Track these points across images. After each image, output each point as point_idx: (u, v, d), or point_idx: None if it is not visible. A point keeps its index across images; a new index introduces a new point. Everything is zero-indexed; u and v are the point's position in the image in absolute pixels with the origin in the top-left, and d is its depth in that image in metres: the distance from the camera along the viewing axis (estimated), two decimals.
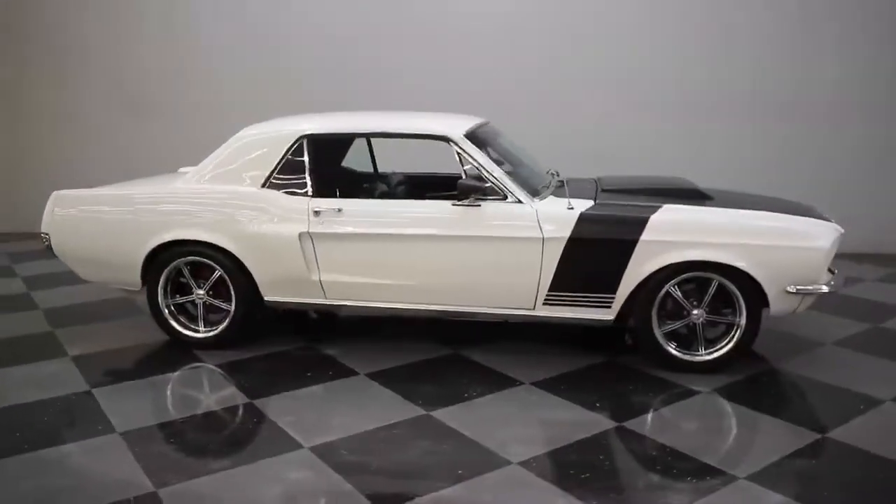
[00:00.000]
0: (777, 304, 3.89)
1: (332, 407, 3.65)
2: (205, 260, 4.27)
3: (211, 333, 4.37)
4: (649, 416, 3.51)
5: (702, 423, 3.50)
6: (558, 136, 6.87)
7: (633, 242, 3.88)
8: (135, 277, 4.37)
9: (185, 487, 2.91)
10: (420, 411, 3.55)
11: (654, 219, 3.90)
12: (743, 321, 3.92)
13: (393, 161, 5.31)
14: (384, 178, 5.16)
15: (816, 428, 3.35)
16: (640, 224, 3.89)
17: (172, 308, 4.41)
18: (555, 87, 7.01)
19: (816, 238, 3.87)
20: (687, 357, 4.00)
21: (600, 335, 4.53)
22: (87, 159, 7.63)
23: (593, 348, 4.35)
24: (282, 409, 3.63)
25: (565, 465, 3.05)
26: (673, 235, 3.88)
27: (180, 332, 4.40)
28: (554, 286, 3.99)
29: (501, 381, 3.91)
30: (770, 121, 6.73)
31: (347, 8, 7.22)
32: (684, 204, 4.10)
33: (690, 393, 3.75)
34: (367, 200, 4.22)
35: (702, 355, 4.01)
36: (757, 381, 3.92)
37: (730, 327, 3.97)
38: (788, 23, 6.64)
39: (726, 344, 3.97)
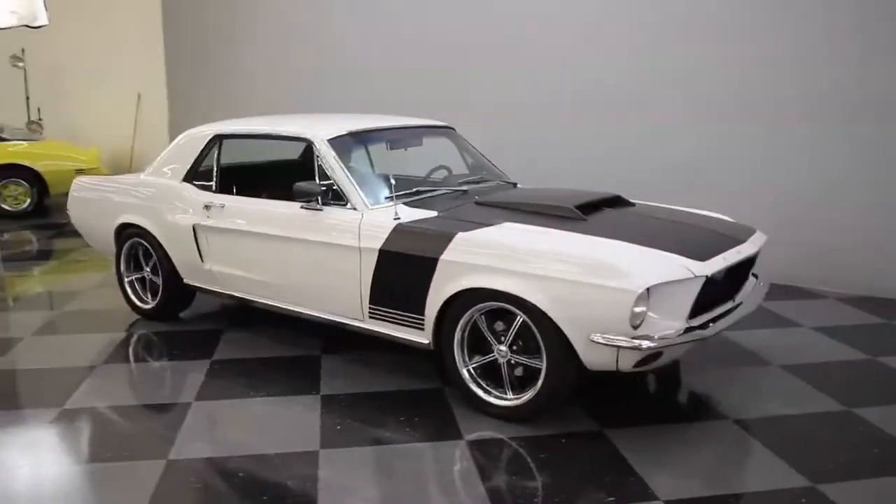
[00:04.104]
0: (585, 354, 3.18)
1: (138, 382, 4.04)
2: (143, 241, 4.91)
3: (150, 306, 5.02)
4: (360, 451, 3.19)
5: (393, 469, 3.08)
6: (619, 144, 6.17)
7: (434, 261, 3.51)
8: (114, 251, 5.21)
9: None
10: (188, 400, 3.72)
11: (460, 237, 3.47)
12: (544, 366, 3.28)
13: (393, 163, 5.36)
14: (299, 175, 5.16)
15: None
16: (445, 241, 3.50)
17: (133, 280, 5.14)
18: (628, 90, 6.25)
19: (627, 276, 3.05)
20: (490, 398, 3.48)
21: None
22: None
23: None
24: (106, 377, 4.08)
25: (216, 472, 3.02)
26: (469, 257, 3.42)
27: (132, 302, 5.12)
28: (372, 299, 3.79)
29: (305, 388, 3.85)
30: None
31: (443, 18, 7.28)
32: (528, 224, 3.57)
33: (452, 438, 3.29)
34: (245, 198, 4.40)
35: (508, 399, 3.45)
36: (545, 442, 3.24)
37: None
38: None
39: (528, 391, 3.37)
